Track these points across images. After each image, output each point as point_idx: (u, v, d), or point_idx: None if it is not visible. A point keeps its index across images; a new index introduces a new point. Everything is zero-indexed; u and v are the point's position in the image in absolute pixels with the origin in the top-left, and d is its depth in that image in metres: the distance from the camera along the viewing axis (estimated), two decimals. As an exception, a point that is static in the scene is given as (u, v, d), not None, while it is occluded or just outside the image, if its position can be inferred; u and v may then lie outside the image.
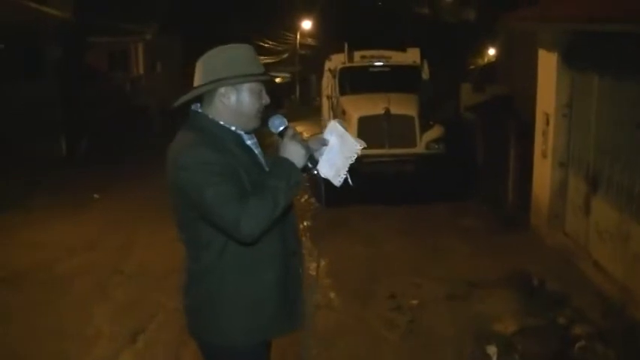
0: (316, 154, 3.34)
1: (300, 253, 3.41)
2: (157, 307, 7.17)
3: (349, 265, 8.70)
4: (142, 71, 25.95)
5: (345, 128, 3.44)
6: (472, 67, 27.71)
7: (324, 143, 3.39)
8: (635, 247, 6.98)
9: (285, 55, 35.77)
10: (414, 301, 7.36)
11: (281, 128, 3.24)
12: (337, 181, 3.39)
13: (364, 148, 3.42)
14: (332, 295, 7.72)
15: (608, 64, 7.82)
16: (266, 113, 3.28)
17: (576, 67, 8.93)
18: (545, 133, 9.64)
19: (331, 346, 6.29)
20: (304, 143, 3.18)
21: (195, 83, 3.19)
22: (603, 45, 7.75)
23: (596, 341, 5.96)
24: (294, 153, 3.12)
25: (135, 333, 6.61)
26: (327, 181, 3.40)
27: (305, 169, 3.21)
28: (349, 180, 3.38)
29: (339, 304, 7.48)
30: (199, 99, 3.22)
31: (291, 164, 3.10)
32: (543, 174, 9.75)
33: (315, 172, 3.34)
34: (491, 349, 6.00)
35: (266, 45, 32.97)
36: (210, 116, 3.18)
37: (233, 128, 3.19)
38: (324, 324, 6.70)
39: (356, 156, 3.39)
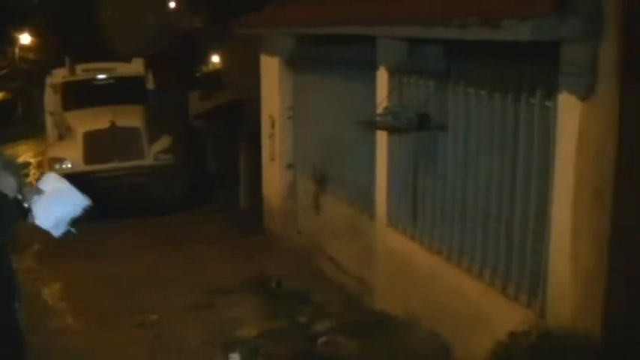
0: (30, 204, 3.19)
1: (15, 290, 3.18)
2: None
3: (89, 286, 8.30)
4: None
5: (65, 182, 3.38)
6: (198, 74, 27.84)
7: (38, 193, 3.23)
8: (364, 240, 7.28)
9: (5, 71, 33.54)
10: (155, 316, 7.15)
11: None
12: (57, 233, 3.32)
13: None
14: (70, 319, 7.35)
15: (329, 66, 8.11)
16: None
17: (299, 70, 9.19)
18: (271, 136, 9.81)
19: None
20: (16, 175, 3.05)
21: None
22: (325, 48, 8.03)
23: (338, 334, 6.12)
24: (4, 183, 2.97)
25: None
26: None
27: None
28: (72, 231, 3.25)
29: (80, 328, 7.11)
30: None
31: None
32: (273, 177, 9.93)
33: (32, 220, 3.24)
34: (234, 357, 5.95)
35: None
36: None
37: None
38: (64, 350, 6.37)
39: (81, 211, 3.31)
